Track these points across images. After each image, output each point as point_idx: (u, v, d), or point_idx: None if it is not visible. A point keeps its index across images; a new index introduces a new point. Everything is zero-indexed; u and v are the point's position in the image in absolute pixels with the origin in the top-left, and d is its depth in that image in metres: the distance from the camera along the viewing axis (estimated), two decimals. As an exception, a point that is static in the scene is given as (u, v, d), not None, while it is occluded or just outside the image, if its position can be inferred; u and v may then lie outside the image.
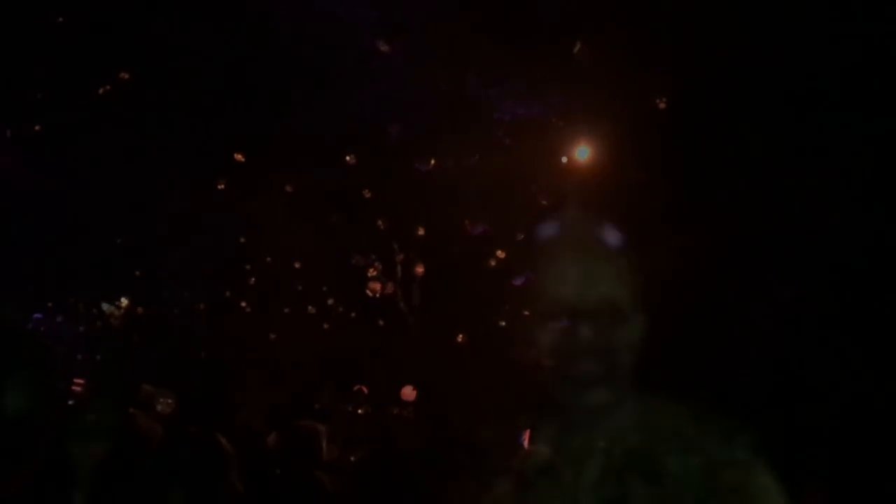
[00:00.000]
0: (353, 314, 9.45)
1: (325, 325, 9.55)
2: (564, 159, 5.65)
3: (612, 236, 1.04)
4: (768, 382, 4.67)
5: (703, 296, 4.90)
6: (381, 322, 8.80)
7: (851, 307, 4.68)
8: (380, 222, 7.49)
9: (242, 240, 8.44)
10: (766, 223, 4.88)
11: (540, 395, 1.02)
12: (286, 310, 9.57)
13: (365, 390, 8.17)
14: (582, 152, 5.49)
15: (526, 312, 1.04)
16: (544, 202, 5.88)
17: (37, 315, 8.42)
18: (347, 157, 6.64)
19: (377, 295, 7.98)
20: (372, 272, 7.92)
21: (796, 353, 4.81)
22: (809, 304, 4.83)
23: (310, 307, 9.41)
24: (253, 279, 9.39)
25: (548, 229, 1.06)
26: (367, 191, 7.24)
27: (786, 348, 4.86)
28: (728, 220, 4.85)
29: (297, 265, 8.69)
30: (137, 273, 8.84)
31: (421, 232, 7.49)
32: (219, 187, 7.17)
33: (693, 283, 4.77)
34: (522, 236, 6.18)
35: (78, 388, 6.29)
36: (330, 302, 9.54)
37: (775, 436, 1.11)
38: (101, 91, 5.83)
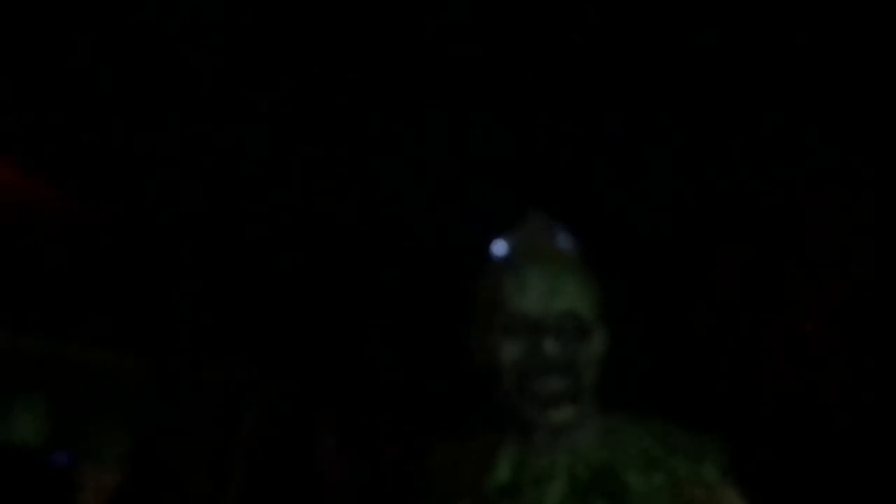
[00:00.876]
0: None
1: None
2: None
3: (576, 247, 1.02)
4: (736, 399, 4.68)
5: (670, 310, 4.92)
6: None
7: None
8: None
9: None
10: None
11: (501, 412, 0.98)
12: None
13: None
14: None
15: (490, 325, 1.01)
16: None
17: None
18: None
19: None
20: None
21: (766, 370, 4.83)
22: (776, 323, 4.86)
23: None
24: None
25: (509, 239, 1.04)
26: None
27: (756, 366, 4.89)
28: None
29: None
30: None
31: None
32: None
33: (663, 296, 4.79)
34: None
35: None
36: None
37: (743, 453, 1.08)
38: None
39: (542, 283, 0.99)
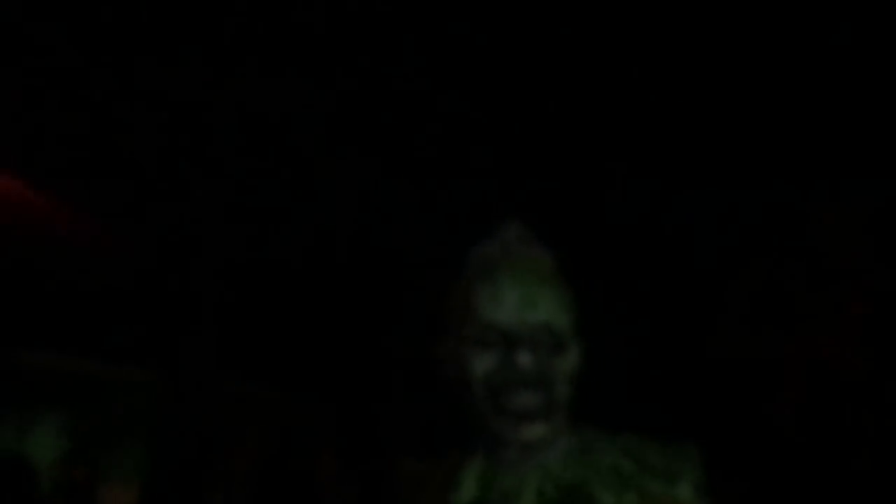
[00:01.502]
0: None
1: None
2: None
3: (551, 258, 0.97)
4: (713, 417, 4.56)
5: (652, 324, 4.82)
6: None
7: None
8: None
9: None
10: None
11: (470, 428, 0.94)
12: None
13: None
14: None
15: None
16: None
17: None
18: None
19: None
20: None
21: (747, 385, 4.73)
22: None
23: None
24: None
25: (484, 248, 0.99)
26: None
27: (735, 380, 4.77)
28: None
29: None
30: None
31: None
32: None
33: (638, 309, 4.70)
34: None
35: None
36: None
37: (718, 472, 1.04)
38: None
39: (517, 294, 0.92)
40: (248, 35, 4.43)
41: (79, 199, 6.06)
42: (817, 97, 4.04)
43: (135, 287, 7.30)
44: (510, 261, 0.96)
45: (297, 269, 6.31)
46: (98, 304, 7.50)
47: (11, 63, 4.42)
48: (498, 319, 0.91)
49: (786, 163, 4.50)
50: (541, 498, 0.91)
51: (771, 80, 4.12)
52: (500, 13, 3.97)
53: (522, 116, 4.57)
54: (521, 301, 0.92)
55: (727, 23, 3.80)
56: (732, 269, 5.07)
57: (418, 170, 4.93)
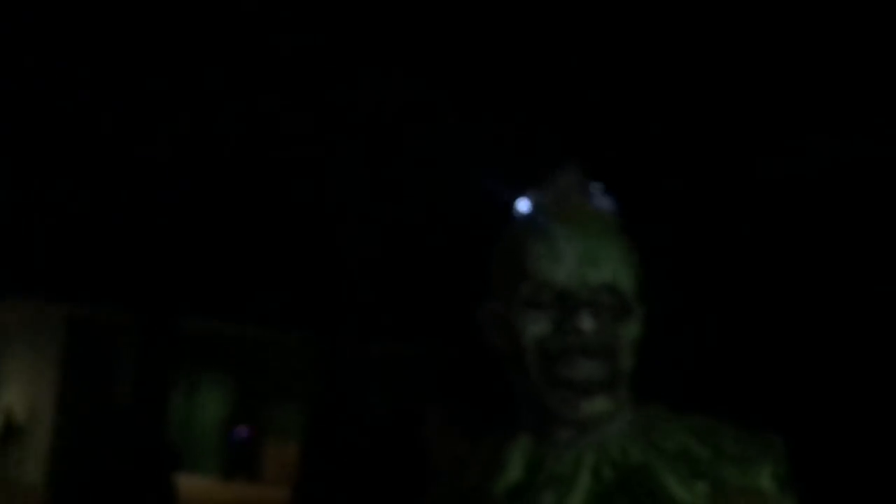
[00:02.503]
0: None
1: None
2: None
3: (615, 210, 0.83)
4: (798, 395, 4.02)
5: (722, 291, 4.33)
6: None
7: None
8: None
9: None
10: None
11: (517, 402, 0.82)
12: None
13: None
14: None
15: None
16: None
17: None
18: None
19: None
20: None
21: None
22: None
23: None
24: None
25: (537, 196, 0.85)
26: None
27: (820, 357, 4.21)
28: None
29: None
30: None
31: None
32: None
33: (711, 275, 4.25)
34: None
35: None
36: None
37: (805, 461, 0.88)
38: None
39: (577, 250, 0.79)
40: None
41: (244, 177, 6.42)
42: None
43: (291, 257, 7.66)
44: (568, 212, 0.83)
45: (436, 235, 6.38)
46: (257, 274, 7.93)
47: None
48: (555, 278, 0.78)
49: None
50: (597, 481, 0.78)
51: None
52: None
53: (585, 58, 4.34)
54: (582, 257, 0.79)
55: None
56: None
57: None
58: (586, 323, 0.76)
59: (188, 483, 8.89)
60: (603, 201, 0.84)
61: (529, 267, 0.80)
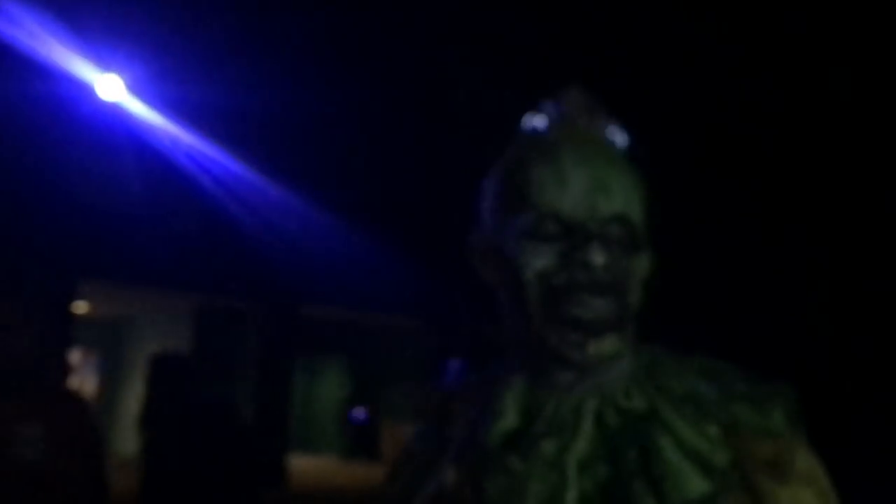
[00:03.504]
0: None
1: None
2: None
3: (625, 136, 0.76)
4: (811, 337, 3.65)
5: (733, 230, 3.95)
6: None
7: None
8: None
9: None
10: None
11: (514, 342, 0.76)
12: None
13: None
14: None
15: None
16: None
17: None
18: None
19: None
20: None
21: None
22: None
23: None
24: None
25: (543, 115, 0.78)
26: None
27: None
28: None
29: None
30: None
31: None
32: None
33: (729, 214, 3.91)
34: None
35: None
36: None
37: (817, 401, 0.80)
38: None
39: (586, 176, 0.72)
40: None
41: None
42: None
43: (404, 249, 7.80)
44: (577, 134, 0.76)
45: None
46: (372, 265, 8.14)
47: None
48: (561, 206, 0.71)
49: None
50: (601, 427, 0.72)
51: None
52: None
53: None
54: (591, 185, 0.71)
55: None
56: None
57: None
58: (597, 257, 0.69)
59: (308, 463, 9.23)
60: (613, 129, 0.77)
61: (532, 194, 0.72)
